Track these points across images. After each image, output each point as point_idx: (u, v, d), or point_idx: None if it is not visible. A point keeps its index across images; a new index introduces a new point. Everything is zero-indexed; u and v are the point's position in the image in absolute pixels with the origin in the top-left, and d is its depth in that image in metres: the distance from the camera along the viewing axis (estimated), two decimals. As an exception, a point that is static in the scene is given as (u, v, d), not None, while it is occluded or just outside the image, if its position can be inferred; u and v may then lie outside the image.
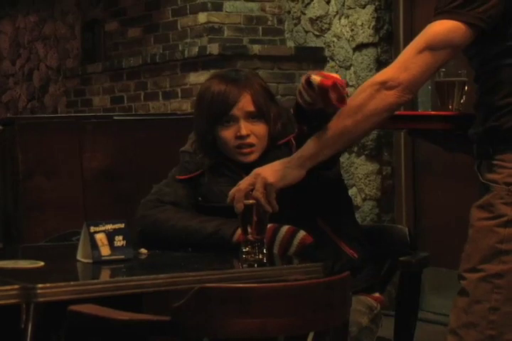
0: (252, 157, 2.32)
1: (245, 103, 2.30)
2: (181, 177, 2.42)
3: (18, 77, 7.78)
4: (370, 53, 4.86)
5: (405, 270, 2.41)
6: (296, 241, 2.21)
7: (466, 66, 2.20)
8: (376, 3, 4.83)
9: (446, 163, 4.61)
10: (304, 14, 5.31)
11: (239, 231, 2.23)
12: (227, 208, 2.30)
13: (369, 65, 4.87)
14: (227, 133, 2.32)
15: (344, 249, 2.32)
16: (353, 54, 4.96)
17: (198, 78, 5.17)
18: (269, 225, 2.23)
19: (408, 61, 1.97)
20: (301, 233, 2.22)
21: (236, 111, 2.30)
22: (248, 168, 2.31)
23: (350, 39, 4.97)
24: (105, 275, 2.12)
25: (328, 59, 5.16)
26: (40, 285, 1.83)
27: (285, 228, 2.23)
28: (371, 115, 2.01)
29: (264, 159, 2.31)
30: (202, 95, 2.37)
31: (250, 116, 2.31)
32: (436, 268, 4.30)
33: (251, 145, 2.31)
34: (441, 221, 4.70)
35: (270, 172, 2.09)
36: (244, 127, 2.30)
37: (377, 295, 2.40)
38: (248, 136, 2.30)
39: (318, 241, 2.26)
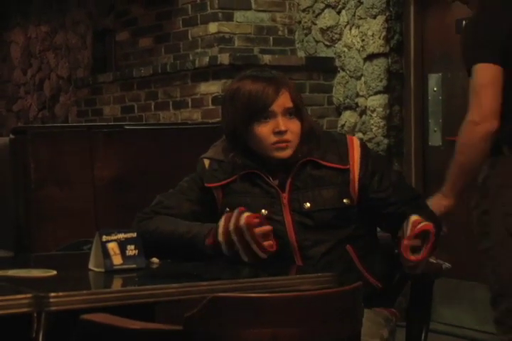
0: (288, 152, 2.30)
1: (284, 99, 2.30)
2: (210, 184, 2.38)
3: (29, 86, 7.81)
4: (381, 63, 4.86)
5: (417, 280, 2.41)
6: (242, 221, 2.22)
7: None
8: (387, 14, 4.83)
9: (456, 173, 4.60)
10: (315, 24, 5.31)
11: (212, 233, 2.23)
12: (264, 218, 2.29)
13: (379, 75, 4.87)
14: (265, 130, 2.29)
15: (368, 279, 2.31)
16: (364, 64, 4.97)
17: (208, 88, 5.18)
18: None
19: None
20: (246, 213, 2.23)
21: (275, 107, 2.29)
22: (281, 178, 2.32)
23: (361, 49, 4.97)
24: (117, 284, 2.13)
25: (338, 69, 5.16)
26: (52, 294, 1.83)
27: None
28: None
29: (295, 156, 2.31)
30: (234, 95, 2.33)
31: (288, 113, 2.31)
32: (447, 279, 4.29)
33: (287, 141, 2.30)
34: (452, 232, 4.68)
35: None
36: (283, 123, 2.29)
37: (393, 310, 2.41)
38: (286, 131, 2.29)
39: (344, 267, 2.27)
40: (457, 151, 2.73)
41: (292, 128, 2.30)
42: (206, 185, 2.38)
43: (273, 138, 2.29)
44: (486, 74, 2.60)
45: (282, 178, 2.33)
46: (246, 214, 2.21)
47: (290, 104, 2.31)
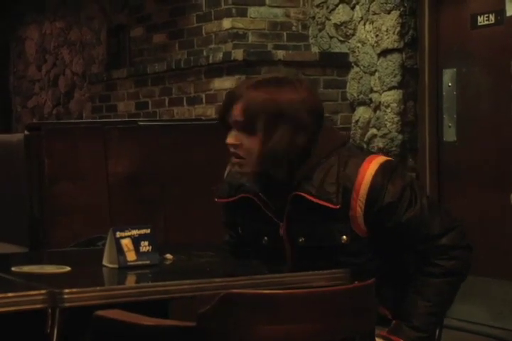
0: (243, 169, 2.12)
1: (236, 111, 2.10)
2: (218, 199, 2.28)
3: (44, 82, 7.83)
4: (395, 59, 4.85)
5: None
6: None
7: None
8: (401, 9, 4.82)
9: (471, 169, 4.59)
10: (329, 20, 5.30)
11: None
12: (263, 244, 2.19)
13: (394, 70, 4.85)
14: (226, 140, 2.14)
15: (377, 309, 2.10)
16: (378, 59, 4.95)
17: (222, 84, 5.18)
18: None
19: None
20: None
21: (228, 118, 2.12)
22: (281, 202, 2.14)
23: (375, 44, 4.96)
24: (131, 280, 2.13)
25: (352, 64, 5.15)
26: (66, 290, 1.84)
27: None
28: None
29: (295, 176, 2.11)
30: None
31: (239, 127, 2.10)
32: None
33: (239, 156, 2.11)
34: (466, 227, 4.67)
35: None
36: (232, 136, 2.11)
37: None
38: (232, 145, 2.11)
39: None
40: None
41: (246, 144, 2.09)
42: (216, 199, 2.27)
43: (229, 150, 2.13)
44: None
45: (281, 203, 2.14)
46: None
47: (240, 118, 2.09)
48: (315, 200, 2.09)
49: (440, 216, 2.15)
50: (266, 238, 2.19)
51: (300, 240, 2.14)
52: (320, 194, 2.10)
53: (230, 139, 2.11)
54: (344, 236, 2.11)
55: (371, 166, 2.10)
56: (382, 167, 2.11)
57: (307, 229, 2.12)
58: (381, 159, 2.13)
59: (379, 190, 2.09)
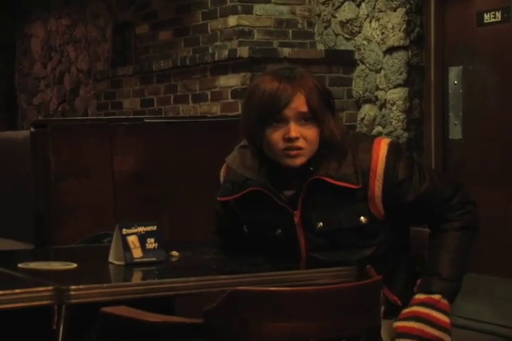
0: (299, 161, 2.14)
1: (298, 103, 2.12)
2: (221, 198, 2.30)
3: (50, 79, 7.85)
4: (401, 56, 4.84)
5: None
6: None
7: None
8: (407, 6, 4.81)
9: (477, 167, 4.58)
10: (335, 17, 5.30)
11: None
12: (276, 236, 2.21)
13: (399, 68, 4.85)
14: (276, 135, 2.13)
15: (388, 296, 2.18)
16: (384, 57, 4.95)
17: (227, 81, 5.18)
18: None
19: None
20: None
21: (288, 112, 2.12)
22: (295, 191, 2.17)
23: (381, 42, 4.95)
24: (137, 277, 2.13)
25: (358, 62, 5.15)
26: (73, 287, 1.84)
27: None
28: None
29: (311, 163, 2.16)
30: (252, 93, 2.17)
31: (302, 118, 2.13)
32: (467, 273, 4.27)
33: (299, 148, 2.13)
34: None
35: None
36: (294, 129, 2.12)
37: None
38: (297, 138, 2.12)
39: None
40: None
41: (307, 134, 2.13)
42: (218, 198, 2.29)
43: (283, 145, 2.13)
44: None
45: (296, 191, 2.18)
46: None
47: (304, 109, 2.13)
48: (336, 183, 2.15)
49: (446, 179, 2.28)
50: (279, 230, 2.21)
51: (318, 226, 2.18)
52: (340, 176, 2.16)
53: (295, 132, 2.13)
54: (362, 217, 2.18)
55: (382, 147, 2.20)
56: (392, 147, 2.21)
57: (325, 213, 2.17)
58: (387, 140, 2.24)
59: (392, 168, 2.18)
